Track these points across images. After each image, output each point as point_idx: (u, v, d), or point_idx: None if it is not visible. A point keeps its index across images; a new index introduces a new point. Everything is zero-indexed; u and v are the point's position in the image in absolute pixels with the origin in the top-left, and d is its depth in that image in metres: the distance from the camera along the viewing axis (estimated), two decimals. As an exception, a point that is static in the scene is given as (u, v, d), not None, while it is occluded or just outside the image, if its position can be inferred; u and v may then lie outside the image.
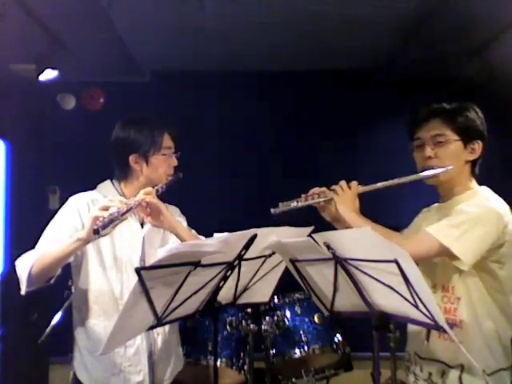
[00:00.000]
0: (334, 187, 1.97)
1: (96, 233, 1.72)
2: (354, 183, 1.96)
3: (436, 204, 1.98)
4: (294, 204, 1.99)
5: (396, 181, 1.91)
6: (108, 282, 2.02)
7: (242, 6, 2.87)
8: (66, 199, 2.09)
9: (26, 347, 3.27)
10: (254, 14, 2.98)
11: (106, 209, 1.78)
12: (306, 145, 3.96)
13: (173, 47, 3.53)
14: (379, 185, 1.94)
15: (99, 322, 2.01)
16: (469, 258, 1.67)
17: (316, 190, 2.03)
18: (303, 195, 2.02)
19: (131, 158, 2.04)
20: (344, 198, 1.92)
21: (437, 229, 1.72)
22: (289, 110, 3.97)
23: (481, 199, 1.77)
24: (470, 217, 1.70)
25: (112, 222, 1.75)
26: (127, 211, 1.81)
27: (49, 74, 3.34)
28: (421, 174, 1.86)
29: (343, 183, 1.96)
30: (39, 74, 3.31)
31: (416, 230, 1.96)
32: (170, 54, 3.66)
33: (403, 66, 3.80)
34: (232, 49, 3.57)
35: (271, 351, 2.75)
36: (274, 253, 1.79)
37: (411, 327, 1.90)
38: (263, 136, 3.96)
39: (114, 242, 2.02)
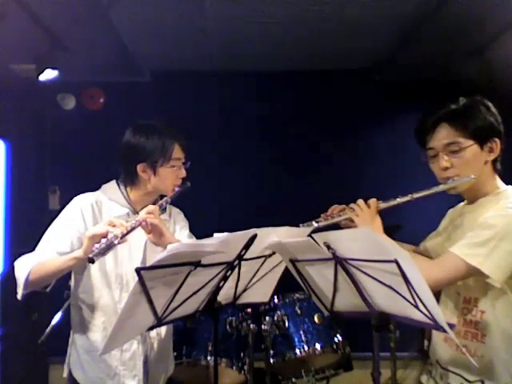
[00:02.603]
0: (352, 206, 1.90)
1: (91, 262, 1.67)
2: (373, 201, 1.87)
3: (461, 204, 1.91)
4: (314, 224, 1.94)
5: (416, 195, 1.83)
6: (107, 283, 2.01)
7: (242, 6, 2.87)
8: (66, 199, 2.08)
9: (26, 347, 3.28)
10: (254, 13, 2.98)
11: (105, 235, 1.72)
12: (306, 145, 3.96)
13: (173, 47, 3.53)
14: (398, 200, 1.85)
15: (97, 322, 2.01)
16: (501, 276, 1.61)
17: (335, 207, 1.97)
18: (322, 215, 1.97)
19: (139, 167, 2.01)
20: (364, 217, 1.84)
21: (463, 249, 1.64)
22: (289, 110, 3.97)
23: (505, 207, 1.67)
24: (496, 232, 1.62)
25: (109, 248, 1.70)
26: (127, 233, 1.76)
27: (49, 74, 3.34)
28: (441, 186, 1.78)
29: (361, 202, 1.88)
30: (39, 74, 3.32)
31: (441, 241, 1.91)
32: (170, 54, 3.66)
33: (403, 66, 3.81)
34: (232, 49, 3.58)
35: (271, 351, 2.76)
36: (274, 253, 1.79)
37: (435, 334, 1.85)
38: (263, 136, 3.96)
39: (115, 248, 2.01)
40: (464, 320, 1.73)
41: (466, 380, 1.70)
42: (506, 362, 1.65)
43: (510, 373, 1.65)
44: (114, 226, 1.75)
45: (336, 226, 1.96)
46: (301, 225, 1.97)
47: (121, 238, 1.72)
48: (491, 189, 1.77)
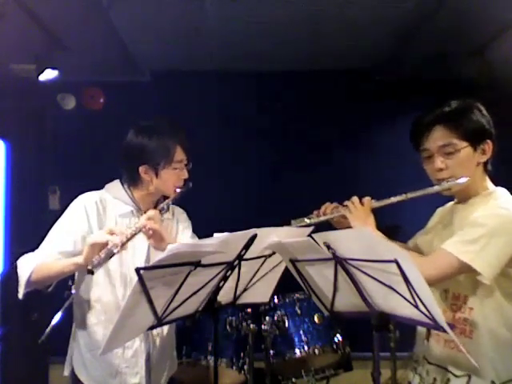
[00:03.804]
0: (346, 203, 1.91)
1: (91, 273, 1.71)
2: (367, 199, 1.89)
3: (451, 203, 1.93)
4: (306, 221, 1.95)
5: (410, 195, 1.85)
6: (111, 281, 2.02)
7: (242, 6, 2.87)
8: (66, 199, 2.08)
9: (26, 347, 3.28)
10: (254, 13, 2.98)
11: (105, 244, 1.74)
12: (306, 145, 3.96)
13: (173, 47, 3.53)
14: (393, 199, 1.87)
15: (100, 321, 2.01)
16: (491, 273, 1.63)
17: (328, 205, 1.97)
18: (315, 212, 1.98)
19: (141, 169, 2.02)
20: (357, 215, 1.86)
21: (454, 246, 1.67)
22: (289, 109, 3.97)
23: (496, 206, 1.70)
24: (487, 229, 1.64)
25: (109, 257, 1.73)
26: (127, 241, 1.78)
27: (49, 74, 3.34)
28: (435, 187, 1.80)
29: (355, 199, 1.89)
30: (39, 74, 3.32)
31: (429, 238, 1.92)
32: (170, 53, 3.66)
33: (403, 66, 3.81)
34: (232, 49, 3.58)
35: (271, 351, 2.75)
36: (274, 253, 1.79)
37: (420, 329, 1.88)
38: (263, 136, 3.96)
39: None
40: (453, 316, 1.75)
41: (454, 375, 1.73)
42: (492, 358, 1.68)
43: (495, 370, 1.67)
44: (113, 234, 1.77)
45: (329, 224, 1.97)
46: (292, 221, 1.98)
47: (121, 247, 1.75)
48: (481, 189, 1.79)
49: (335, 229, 1.96)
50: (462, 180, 1.74)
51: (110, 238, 1.75)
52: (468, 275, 1.69)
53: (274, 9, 2.91)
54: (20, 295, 1.90)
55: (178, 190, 2.05)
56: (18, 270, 1.90)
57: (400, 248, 1.43)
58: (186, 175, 2.07)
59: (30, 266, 1.87)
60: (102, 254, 1.72)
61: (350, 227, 1.89)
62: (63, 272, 1.87)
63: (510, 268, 1.68)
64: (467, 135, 1.75)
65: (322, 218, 1.95)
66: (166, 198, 2.07)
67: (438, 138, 1.77)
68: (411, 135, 1.85)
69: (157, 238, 1.92)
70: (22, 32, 2.89)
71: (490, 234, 1.64)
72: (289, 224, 1.99)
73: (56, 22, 2.93)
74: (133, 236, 1.81)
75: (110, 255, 1.72)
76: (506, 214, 1.67)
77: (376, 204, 1.89)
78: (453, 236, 1.71)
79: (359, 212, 1.86)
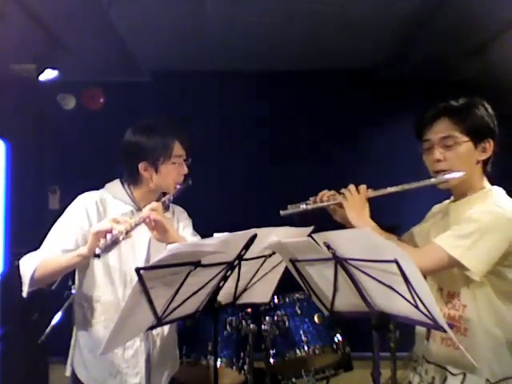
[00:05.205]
0: (342, 191, 1.93)
1: (97, 257, 1.70)
2: (362, 187, 1.91)
3: (447, 201, 1.94)
4: (303, 206, 1.97)
5: (406, 186, 1.86)
6: (111, 281, 2.02)
7: (242, 6, 2.87)
8: (66, 199, 2.08)
9: (26, 347, 3.27)
10: (254, 14, 2.98)
11: (109, 231, 1.73)
12: (306, 145, 3.96)
13: (173, 47, 3.53)
14: (389, 189, 1.88)
15: (100, 321, 2.01)
16: (480, 269, 1.64)
17: (325, 193, 1.99)
18: (311, 198, 1.99)
19: (141, 166, 2.02)
20: (353, 203, 1.88)
21: (446, 240, 1.68)
22: (289, 110, 3.97)
23: (491, 204, 1.71)
24: (479, 226, 1.65)
25: (115, 243, 1.72)
26: (131, 230, 1.77)
27: (49, 74, 3.35)
28: (431, 180, 1.81)
29: (352, 187, 1.91)
30: (39, 74, 3.32)
31: (427, 227, 1.94)
32: (170, 53, 3.67)
33: (403, 65, 3.81)
34: (232, 49, 3.58)
35: (271, 351, 2.75)
36: (274, 253, 1.79)
37: (419, 329, 1.89)
38: (263, 136, 3.96)
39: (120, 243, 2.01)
40: (448, 314, 1.76)
41: (450, 373, 1.74)
42: (486, 357, 1.69)
43: (490, 368, 1.69)
44: (117, 222, 1.77)
45: (325, 211, 1.98)
46: (289, 206, 2.00)
47: (125, 234, 1.74)
48: (479, 187, 1.81)
49: (334, 227, 1.96)
50: (459, 174, 1.76)
51: (115, 226, 1.74)
52: (461, 272, 1.70)
53: (273, 9, 2.91)
54: (24, 293, 1.89)
55: (179, 186, 2.05)
56: (21, 269, 1.90)
57: (400, 248, 1.43)
58: (185, 170, 2.08)
59: (33, 264, 1.87)
60: (107, 239, 1.71)
61: (346, 218, 1.91)
62: (67, 266, 1.86)
63: (501, 267, 1.69)
64: (470, 130, 1.76)
65: (319, 205, 1.96)
66: (165, 195, 2.07)
67: (440, 129, 1.79)
68: (416, 126, 1.87)
69: (160, 230, 1.92)
70: (22, 32, 2.89)
71: (483, 231, 1.65)
72: (285, 209, 1.99)
73: (56, 22, 2.94)
74: (136, 225, 1.80)
75: (116, 241, 1.71)
76: (500, 212, 1.68)
77: (372, 193, 1.90)
78: (447, 230, 1.72)
79: (355, 200, 1.88)
